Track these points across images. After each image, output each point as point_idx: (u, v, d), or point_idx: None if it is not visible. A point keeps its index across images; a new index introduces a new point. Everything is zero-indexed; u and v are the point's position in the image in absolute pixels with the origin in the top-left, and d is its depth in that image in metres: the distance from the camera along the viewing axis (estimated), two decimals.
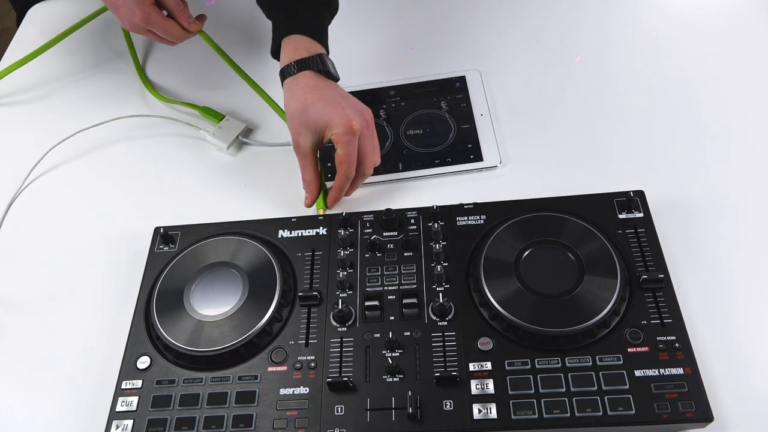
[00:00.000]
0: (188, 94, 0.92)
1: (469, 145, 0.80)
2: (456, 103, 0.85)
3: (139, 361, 0.64)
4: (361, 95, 0.87)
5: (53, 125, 0.89)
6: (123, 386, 0.63)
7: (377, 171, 0.78)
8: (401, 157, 0.80)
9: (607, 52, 0.88)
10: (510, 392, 0.58)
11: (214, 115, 0.86)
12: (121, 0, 0.79)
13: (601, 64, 0.87)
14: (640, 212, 0.68)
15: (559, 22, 0.93)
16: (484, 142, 0.80)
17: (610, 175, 0.75)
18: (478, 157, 0.79)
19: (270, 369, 0.62)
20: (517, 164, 0.78)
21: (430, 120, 0.83)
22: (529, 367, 0.59)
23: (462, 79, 0.87)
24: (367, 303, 0.65)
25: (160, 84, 0.94)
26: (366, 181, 0.75)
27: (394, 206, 0.71)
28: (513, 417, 0.57)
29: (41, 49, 0.94)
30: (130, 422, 0.61)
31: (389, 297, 0.65)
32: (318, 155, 0.75)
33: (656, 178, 0.74)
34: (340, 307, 0.64)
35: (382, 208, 0.71)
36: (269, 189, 0.80)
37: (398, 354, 0.62)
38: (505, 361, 0.60)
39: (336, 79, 0.76)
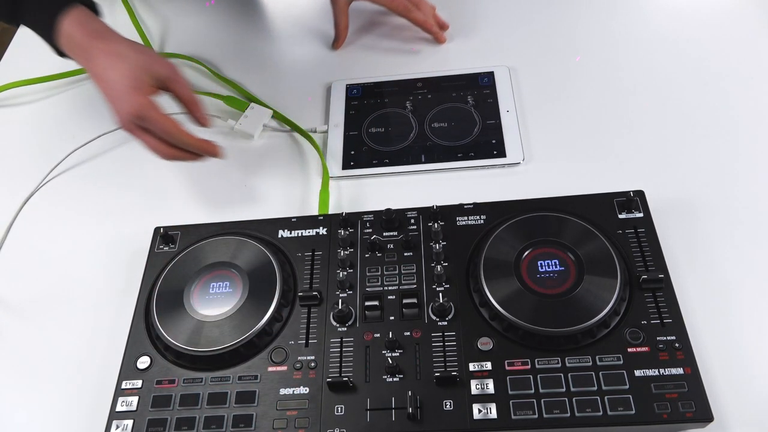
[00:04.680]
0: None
1: (493, 141, 0.80)
2: (482, 98, 0.85)
3: (139, 361, 0.64)
4: (389, 86, 0.88)
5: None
6: (123, 386, 0.63)
7: (400, 162, 0.79)
8: (424, 149, 0.81)
9: (608, 52, 0.88)
10: (510, 392, 0.58)
11: (239, 104, 0.87)
12: (117, 89, 0.69)
13: (601, 64, 0.87)
14: (640, 212, 0.68)
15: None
16: (509, 139, 0.80)
17: (610, 174, 0.76)
18: (502, 153, 0.79)
19: (270, 369, 0.62)
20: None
21: (456, 114, 0.84)
22: (529, 367, 0.59)
23: (490, 75, 0.87)
24: (367, 303, 0.65)
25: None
26: (387, 171, 0.79)
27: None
28: (513, 417, 0.57)
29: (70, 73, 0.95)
30: (130, 422, 0.61)
31: (389, 297, 0.65)
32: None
33: (656, 178, 0.74)
34: (340, 307, 0.64)
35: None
36: (269, 189, 0.80)
37: (398, 354, 0.62)
38: (505, 361, 0.60)
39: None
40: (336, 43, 0.94)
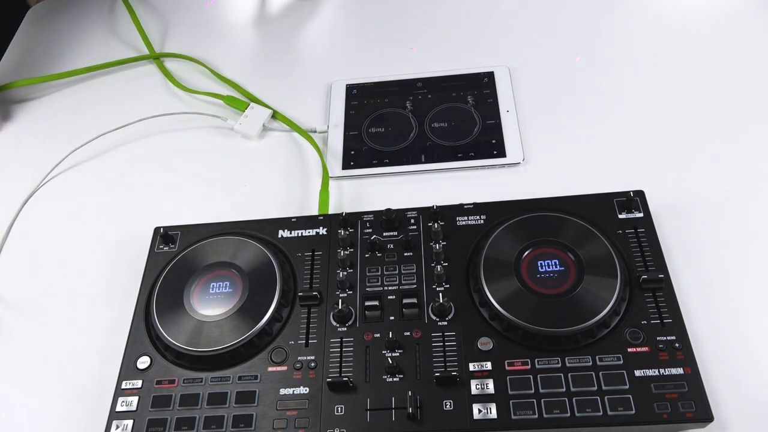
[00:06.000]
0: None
1: (493, 141, 0.80)
2: (482, 99, 0.85)
3: (139, 361, 0.64)
4: (389, 86, 0.88)
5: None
6: (123, 386, 0.63)
7: (400, 162, 0.79)
8: (424, 149, 0.81)
9: (608, 52, 0.88)
10: (510, 392, 0.58)
11: (239, 104, 0.87)
12: None
13: (601, 64, 0.87)
14: (640, 212, 0.68)
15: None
16: (509, 139, 0.80)
17: (610, 174, 0.75)
18: (502, 153, 0.79)
19: (270, 369, 0.62)
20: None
21: (456, 114, 0.84)
22: (529, 367, 0.59)
23: (490, 75, 0.87)
24: (367, 303, 0.65)
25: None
26: (387, 171, 0.78)
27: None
28: (513, 417, 0.57)
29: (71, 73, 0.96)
30: (130, 422, 0.61)
31: (389, 297, 0.65)
32: None
33: (656, 178, 0.74)
34: (340, 307, 0.64)
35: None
36: (269, 189, 0.80)
37: (398, 354, 0.62)
38: (505, 361, 0.60)
39: None
40: None
